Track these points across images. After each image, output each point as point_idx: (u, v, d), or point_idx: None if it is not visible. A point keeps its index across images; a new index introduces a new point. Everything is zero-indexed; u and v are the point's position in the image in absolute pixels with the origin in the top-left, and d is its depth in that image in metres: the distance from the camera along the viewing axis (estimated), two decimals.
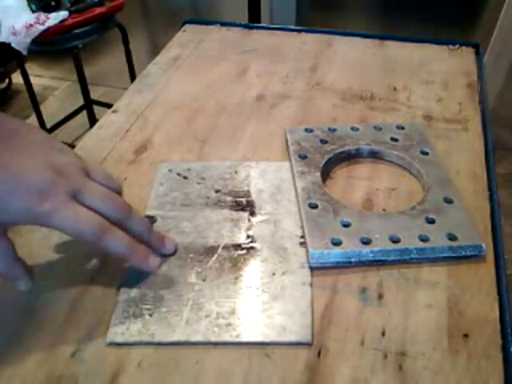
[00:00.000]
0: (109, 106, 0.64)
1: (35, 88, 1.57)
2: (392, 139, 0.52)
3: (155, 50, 1.93)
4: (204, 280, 0.39)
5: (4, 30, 1.34)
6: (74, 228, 0.34)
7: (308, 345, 0.35)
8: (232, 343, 0.35)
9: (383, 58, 0.70)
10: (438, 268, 0.40)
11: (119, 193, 0.40)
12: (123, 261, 0.41)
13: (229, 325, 0.36)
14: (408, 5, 1.61)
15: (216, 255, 0.41)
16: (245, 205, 0.46)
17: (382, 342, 0.35)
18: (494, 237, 0.43)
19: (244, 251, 0.42)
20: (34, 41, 1.34)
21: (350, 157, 0.52)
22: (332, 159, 0.50)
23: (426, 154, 0.50)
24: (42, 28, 1.32)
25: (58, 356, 0.35)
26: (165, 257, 0.41)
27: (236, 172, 0.50)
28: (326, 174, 0.49)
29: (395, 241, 0.41)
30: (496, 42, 1.52)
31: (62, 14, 1.36)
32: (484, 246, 0.41)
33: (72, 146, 0.47)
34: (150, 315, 0.37)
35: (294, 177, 0.48)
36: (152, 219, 0.45)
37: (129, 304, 0.38)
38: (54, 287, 0.39)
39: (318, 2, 1.74)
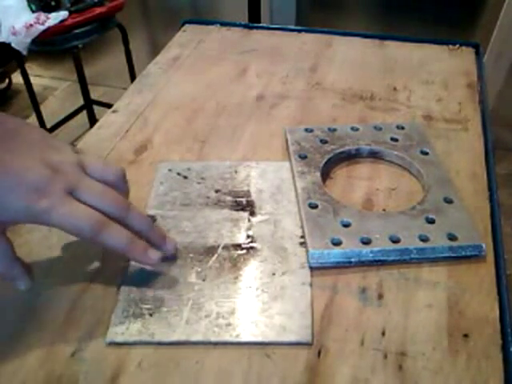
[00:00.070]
0: (109, 105, 0.64)
1: (35, 88, 1.57)
2: (392, 139, 0.52)
3: (155, 50, 1.93)
4: (204, 280, 0.39)
5: (4, 29, 1.34)
6: (72, 224, 0.34)
7: (308, 345, 0.35)
8: (232, 343, 0.35)
9: (383, 58, 0.70)
10: (438, 268, 0.40)
11: (120, 181, 0.39)
12: (123, 260, 0.41)
13: (229, 325, 0.36)
14: (408, 5, 1.61)
15: (216, 255, 0.41)
16: (245, 205, 0.46)
17: (382, 342, 0.35)
18: (494, 237, 0.43)
19: (244, 251, 0.42)
20: (34, 41, 1.34)
21: (350, 157, 0.52)
22: (332, 159, 0.50)
23: (426, 154, 0.50)
24: (41, 28, 1.32)
25: (58, 356, 0.35)
26: (165, 259, 0.41)
27: (236, 172, 0.50)
28: (326, 174, 0.49)
29: (395, 241, 0.41)
30: (496, 41, 1.52)
31: (62, 14, 1.36)
32: (484, 245, 0.41)
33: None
34: (150, 315, 0.37)
35: (293, 177, 0.48)
36: (152, 218, 0.45)
37: (129, 304, 0.38)
38: (54, 287, 0.39)
39: (318, 2, 1.75)
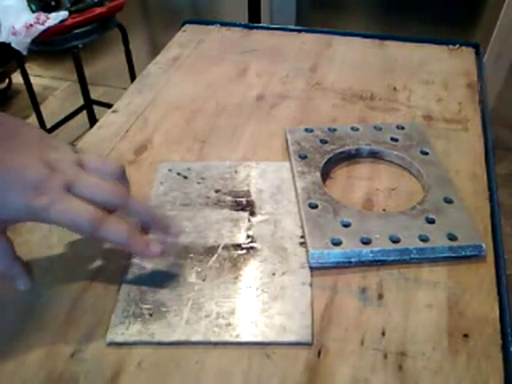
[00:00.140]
0: (109, 106, 0.64)
1: (35, 88, 1.57)
2: (392, 139, 0.52)
3: (155, 50, 1.93)
4: (204, 280, 0.39)
5: (4, 29, 1.34)
6: (71, 220, 0.34)
7: (308, 345, 0.35)
8: (232, 343, 0.35)
9: (383, 58, 0.70)
10: (438, 268, 0.40)
11: (120, 175, 0.39)
12: (124, 260, 0.41)
13: (229, 325, 0.36)
14: (408, 5, 1.61)
15: (216, 255, 0.41)
16: (245, 205, 0.46)
17: (382, 341, 0.35)
18: (494, 237, 0.43)
19: (244, 251, 0.42)
20: (34, 41, 1.34)
21: (350, 157, 0.52)
22: (332, 159, 0.50)
23: (426, 153, 0.50)
24: (41, 28, 1.32)
25: (58, 356, 0.35)
26: (165, 256, 0.41)
27: (236, 172, 0.50)
28: (326, 173, 0.49)
29: (395, 241, 0.41)
30: (496, 42, 1.52)
31: (62, 14, 1.36)
32: (484, 245, 0.41)
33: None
34: (150, 315, 0.37)
35: (294, 177, 0.48)
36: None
37: (129, 304, 0.38)
38: (54, 287, 0.39)
39: (318, 2, 1.75)
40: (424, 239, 0.41)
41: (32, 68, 2.09)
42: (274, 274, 0.40)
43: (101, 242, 0.36)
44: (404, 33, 0.75)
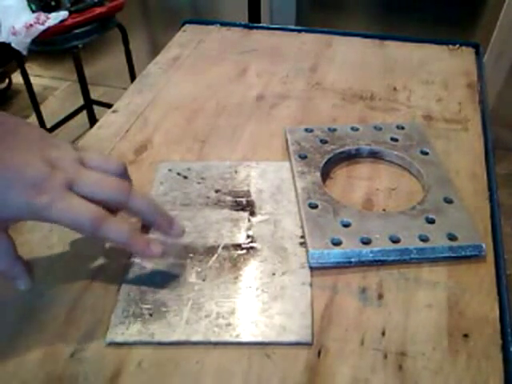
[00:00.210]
0: (109, 106, 0.64)
1: (35, 88, 1.57)
2: (392, 139, 0.52)
3: (155, 50, 1.93)
4: (204, 280, 0.39)
5: (4, 29, 1.34)
6: (72, 219, 0.34)
7: (308, 345, 0.35)
8: (232, 343, 0.35)
9: (383, 58, 0.70)
10: (438, 268, 0.40)
11: (122, 172, 0.39)
12: (124, 259, 0.41)
13: (229, 325, 0.36)
14: (408, 5, 1.61)
15: (216, 255, 0.41)
16: (245, 205, 0.46)
17: (382, 341, 0.35)
18: (494, 237, 0.43)
19: (244, 251, 0.42)
20: (34, 41, 1.34)
21: (350, 157, 0.52)
22: (332, 159, 0.50)
23: (426, 154, 0.50)
24: (42, 28, 1.32)
25: (57, 356, 0.35)
26: (165, 255, 0.41)
27: (236, 172, 0.50)
28: (326, 173, 0.49)
29: (395, 241, 0.41)
30: (496, 42, 1.52)
31: (62, 14, 1.36)
32: (484, 245, 0.41)
33: None
34: (150, 315, 0.37)
35: (294, 177, 0.48)
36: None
37: (129, 303, 0.38)
38: (54, 287, 0.39)
39: (318, 2, 1.75)
40: (424, 239, 0.41)
41: (32, 68, 2.09)
42: (274, 274, 0.40)
43: (102, 241, 0.36)
44: (404, 33, 0.75)
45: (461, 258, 0.41)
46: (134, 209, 0.37)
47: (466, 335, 0.36)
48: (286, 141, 0.53)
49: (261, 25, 0.80)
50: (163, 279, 0.39)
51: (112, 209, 0.37)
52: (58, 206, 0.33)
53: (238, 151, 0.53)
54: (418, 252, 0.40)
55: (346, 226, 0.42)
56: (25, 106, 1.84)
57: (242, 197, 0.47)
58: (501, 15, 1.49)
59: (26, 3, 1.37)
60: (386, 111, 0.59)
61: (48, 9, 1.38)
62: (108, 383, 0.33)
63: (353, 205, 0.45)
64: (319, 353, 0.35)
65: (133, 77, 1.64)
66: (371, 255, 0.40)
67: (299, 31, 0.77)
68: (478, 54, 0.70)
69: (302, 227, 0.43)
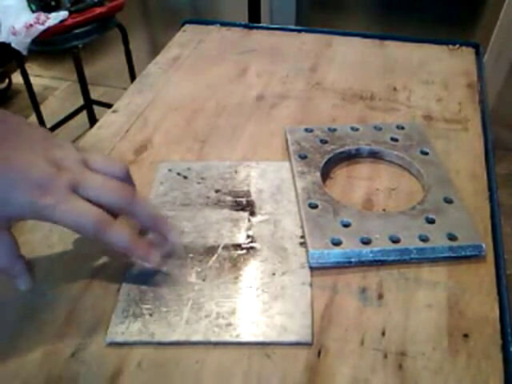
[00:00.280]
0: (109, 106, 0.64)
1: (35, 88, 1.57)
2: (392, 139, 0.52)
3: (155, 50, 1.93)
4: (204, 280, 0.39)
5: (4, 29, 1.34)
6: (75, 222, 0.34)
7: (308, 345, 0.35)
8: (232, 343, 0.35)
9: (383, 58, 0.70)
10: (438, 268, 0.40)
11: (125, 175, 0.39)
12: (123, 260, 0.41)
13: (229, 325, 0.36)
14: (408, 5, 1.61)
15: (216, 255, 0.41)
16: (245, 205, 0.46)
17: (382, 341, 0.35)
18: (494, 237, 0.43)
19: (244, 251, 0.42)
20: (34, 41, 1.34)
21: (350, 157, 0.52)
22: (332, 159, 0.50)
23: (426, 154, 0.50)
24: (42, 28, 1.32)
25: (58, 356, 0.35)
26: (165, 258, 0.41)
27: (236, 172, 0.50)
28: (326, 173, 0.49)
29: (395, 241, 0.41)
30: (496, 42, 1.52)
31: (62, 14, 1.36)
32: (484, 245, 0.41)
33: None
34: (150, 315, 0.37)
35: (294, 177, 0.48)
36: None
37: (129, 303, 0.38)
38: (55, 287, 0.39)
39: (318, 2, 1.75)
40: (424, 239, 0.41)
41: (32, 68, 2.09)
42: (274, 274, 0.40)
43: (103, 244, 0.36)
44: (404, 33, 0.75)
45: (461, 257, 0.41)
46: (135, 215, 0.38)
47: (466, 335, 0.36)
48: (286, 141, 0.53)
49: (261, 25, 0.80)
50: (163, 279, 0.39)
51: (113, 212, 0.37)
52: (63, 207, 0.34)
53: (238, 151, 0.53)
54: (418, 252, 0.41)
55: (346, 226, 0.42)
56: (25, 105, 1.84)
57: (242, 197, 0.47)
58: (501, 15, 1.49)
59: (25, 3, 1.37)
60: (386, 111, 0.59)
61: (48, 9, 1.38)
62: (108, 383, 0.33)
63: (353, 205, 0.45)
64: (319, 353, 0.35)
65: (133, 77, 1.64)
66: (371, 255, 0.40)
67: (299, 31, 0.77)
68: (478, 54, 0.70)
69: (302, 227, 0.43)
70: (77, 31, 1.40)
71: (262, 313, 0.37)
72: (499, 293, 0.38)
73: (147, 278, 0.40)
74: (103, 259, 0.41)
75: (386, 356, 0.34)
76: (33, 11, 1.37)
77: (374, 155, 0.52)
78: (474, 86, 0.63)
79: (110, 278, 0.40)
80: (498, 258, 0.41)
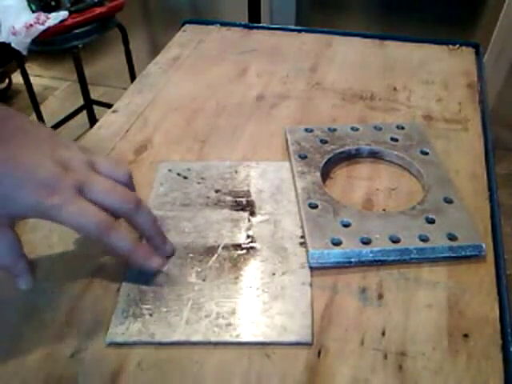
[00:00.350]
0: (109, 106, 0.64)
1: (35, 88, 1.57)
2: (392, 139, 0.52)
3: (155, 50, 1.93)
4: (204, 280, 0.39)
5: (4, 29, 1.34)
6: (79, 223, 0.34)
7: (308, 345, 0.35)
8: (232, 343, 0.35)
9: (383, 58, 0.70)
10: (438, 268, 0.40)
11: (128, 181, 0.39)
12: (123, 260, 0.41)
13: (229, 325, 0.36)
14: (408, 5, 1.61)
15: (216, 255, 0.41)
16: (245, 205, 0.46)
17: (382, 341, 0.35)
18: (494, 237, 0.43)
19: (244, 251, 0.42)
20: (34, 41, 1.34)
21: (350, 157, 0.52)
22: (332, 159, 0.50)
23: (426, 154, 0.50)
24: (42, 28, 1.32)
25: (58, 356, 0.35)
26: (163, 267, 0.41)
27: (236, 172, 0.50)
28: (326, 173, 0.49)
29: (395, 241, 0.41)
30: (496, 41, 1.52)
31: (62, 14, 1.36)
32: (484, 245, 0.41)
33: None
34: (150, 315, 0.37)
35: (294, 177, 0.48)
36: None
37: (129, 304, 0.38)
38: (55, 287, 0.39)
39: (318, 2, 1.75)
40: (424, 239, 0.41)
41: (32, 68, 2.09)
42: (274, 274, 0.40)
43: (105, 246, 0.36)
44: (404, 33, 0.75)
45: (461, 258, 0.41)
46: (137, 222, 0.38)
47: (466, 335, 0.36)
48: (286, 141, 0.53)
49: (261, 25, 0.80)
50: (163, 279, 0.39)
51: (114, 216, 0.37)
52: (69, 208, 0.34)
53: (238, 151, 0.53)
54: (418, 252, 0.40)
55: (346, 225, 0.42)
56: (25, 105, 1.84)
57: (242, 197, 0.47)
58: (501, 15, 1.49)
59: (25, 3, 1.37)
60: (386, 111, 0.59)
61: (48, 9, 1.38)
62: (108, 383, 0.33)
63: (353, 205, 0.45)
64: (319, 353, 0.35)
65: (133, 77, 1.64)
66: (371, 255, 0.40)
67: (299, 31, 0.77)
68: (478, 54, 0.70)
69: (302, 227, 0.43)
70: (77, 31, 1.40)
71: (262, 313, 0.37)
72: (499, 293, 0.38)
73: (147, 278, 0.39)
74: (103, 259, 0.41)
75: (385, 356, 0.34)
76: (33, 11, 1.37)
77: (374, 155, 0.52)
78: (474, 86, 0.63)
79: (110, 278, 0.40)
80: (498, 257, 0.41)
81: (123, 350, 0.35)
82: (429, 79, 0.65)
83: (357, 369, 0.34)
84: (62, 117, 1.75)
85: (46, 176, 0.34)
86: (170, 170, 0.50)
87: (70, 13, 1.38)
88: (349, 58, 0.70)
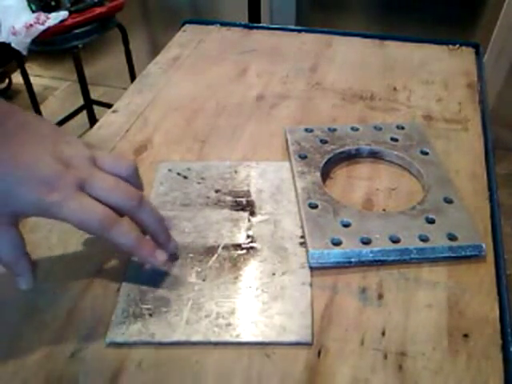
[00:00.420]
0: (109, 106, 0.64)
1: (35, 88, 1.57)
2: (392, 139, 0.52)
3: (155, 50, 1.93)
4: (204, 280, 0.39)
5: (4, 29, 1.34)
6: (81, 220, 0.34)
7: (308, 345, 0.35)
8: (232, 343, 0.35)
9: (383, 58, 0.70)
10: (438, 268, 0.40)
11: (132, 175, 0.39)
12: (123, 260, 0.41)
13: (229, 325, 0.36)
14: (408, 5, 1.61)
15: (216, 255, 0.41)
16: (245, 205, 0.46)
17: (382, 341, 0.35)
18: (494, 237, 0.43)
19: (244, 251, 0.42)
20: (34, 41, 1.34)
21: (350, 157, 0.52)
22: (332, 159, 0.50)
23: (426, 154, 0.50)
24: (42, 28, 1.32)
25: (58, 356, 0.35)
26: (167, 263, 0.40)
27: (236, 172, 0.50)
28: (326, 174, 0.49)
29: (395, 241, 0.41)
30: (496, 41, 1.52)
31: (62, 14, 1.36)
32: (484, 245, 0.41)
33: None
34: (150, 315, 0.37)
35: (294, 177, 0.48)
36: None
37: (129, 304, 0.38)
38: (55, 287, 0.39)
39: (318, 2, 1.75)
40: (424, 239, 0.41)
41: (32, 68, 2.09)
42: (274, 274, 0.40)
43: (107, 242, 0.36)
44: (404, 33, 0.75)
45: (461, 257, 0.41)
46: (140, 219, 0.38)
47: (466, 335, 0.36)
48: (286, 141, 0.53)
49: (261, 25, 0.80)
50: (163, 279, 0.39)
51: (118, 213, 0.37)
52: (70, 204, 0.34)
53: (238, 151, 0.53)
54: (418, 252, 0.40)
55: (346, 225, 0.42)
56: (25, 105, 1.83)
57: (242, 197, 0.47)
58: (501, 15, 1.49)
59: (25, 3, 1.37)
60: (386, 111, 0.59)
61: (48, 9, 1.38)
62: (108, 383, 0.33)
63: (353, 205, 0.45)
64: (319, 353, 0.35)
65: (133, 77, 1.64)
66: (371, 255, 0.40)
67: (299, 31, 0.77)
68: (478, 54, 0.70)
69: (302, 227, 0.43)
70: (77, 31, 1.40)
71: (262, 313, 0.37)
72: (499, 293, 0.38)
73: (147, 278, 0.39)
74: (103, 259, 0.41)
75: (386, 356, 0.34)
76: (33, 11, 1.37)
77: (374, 155, 0.52)
78: (474, 86, 0.63)
79: (110, 278, 0.40)
80: (498, 257, 0.41)
81: (123, 350, 0.35)
82: (429, 79, 0.65)
83: (357, 369, 0.34)
84: (61, 117, 1.75)
85: (47, 173, 0.34)
86: (170, 170, 0.50)
87: (70, 13, 1.38)
88: (349, 58, 0.70)
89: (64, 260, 0.41)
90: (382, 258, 0.40)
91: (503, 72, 1.58)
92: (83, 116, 1.83)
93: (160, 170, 0.50)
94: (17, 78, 1.89)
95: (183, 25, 0.80)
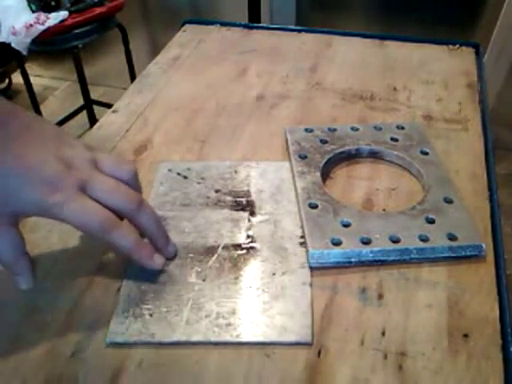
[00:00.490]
0: (109, 106, 0.64)
1: (35, 88, 1.57)
2: (392, 139, 0.52)
3: (155, 50, 1.93)
4: (204, 280, 0.39)
5: (4, 29, 1.34)
6: (81, 221, 0.34)
7: (308, 345, 0.35)
8: (232, 343, 0.35)
9: (383, 58, 0.70)
10: (438, 268, 0.40)
11: (132, 179, 0.39)
12: (123, 260, 0.41)
13: (229, 325, 0.36)
14: (408, 5, 1.61)
15: (216, 255, 0.41)
16: (245, 205, 0.46)
17: (382, 341, 0.35)
18: (494, 237, 0.43)
19: (244, 251, 0.42)
20: (34, 41, 1.34)
21: (350, 157, 0.52)
22: (332, 159, 0.50)
23: (426, 154, 0.50)
24: (42, 28, 1.32)
25: (58, 356, 0.35)
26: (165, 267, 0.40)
27: (236, 172, 0.50)
28: (326, 174, 0.49)
29: (395, 241, 0.41)
30: (496, 41, 1.53)
31: (62, 14, 1.36)
32: (484, 245, 0.41)
33: None
34: (150, 315, 0.37)
35: (294, 177, 0.48)
36: None
37: (129, 304, 0.38)
38: (55, 287, 0.39)
39: (318, 2, 1.75)
40: (424, 239, 0.41)
41: (32, 68, 2.09)
42: (274, 274, 0.40)
43: (108, 244, 0.36)
44: (404, 33, 0.75)
45: (461, 257, 0.41)
46: (139, 223, 0.38)
47: (466, 335, 0.36)
48: (286, 141, 0.53)
49: (261, 25, 0.80)
50: (163, 279, 0.39)
51: (118, 215, 0.37)
52: (71, 205, 0.34)
53: (238, 151, 0.53)
54: (418, 252, 0.41)
55: (346, 226, 0.42)
56: (25, 105, 1.84)
57: (242, 197, 0.47)
58: (501, 15, 1.49)
59: (25, 3, 1.37)
60: (386, 111, 0.59)
61: (48, 9, 1.38)
62: (108, 383, 0.33)
63: (353, 205, 0.45)
64: (319, 353, 0.35)
65: (133, 77, 1.64)
66: (371, 255, 0.40)
67: (299, 31, 0.77)
68: (478, 54, 0.70)
69: (302, 227, 0.43)
70: (77, 31, 1.40)
71: (262, 313, 0.37)
72: (499, 293, 0.38)
73: (147, 278, 0.39)
74: (103, 259, 0.41)
75: (386, 356, 0.34)
76: (33, 11, 1.37)
77: (374, 155, 0.52)
78: (474, 86, 0.63)
79: (111, 278, 0.40)
80: (498, 258, 0.41)
81: (123, 350, 0.35)
82: (429, 79, 0.65)
83: (357, 369, 0.34)
84: (61, 117, 1.75)
85: (49, 174, 0.34)
86: (170, 170, 0.50)
87: (70, 13, 1.38)
88: (349, 58, 0.70)
89: (64, 260, 0.41)
90: (382, 258, 0.40)
91: (503, 72, 1.58)
92: (83, 116, 1.83)
93: (160, 170, 0.50)
94: (17, 78, 1.89)
95: (183, 25, 0.80)
